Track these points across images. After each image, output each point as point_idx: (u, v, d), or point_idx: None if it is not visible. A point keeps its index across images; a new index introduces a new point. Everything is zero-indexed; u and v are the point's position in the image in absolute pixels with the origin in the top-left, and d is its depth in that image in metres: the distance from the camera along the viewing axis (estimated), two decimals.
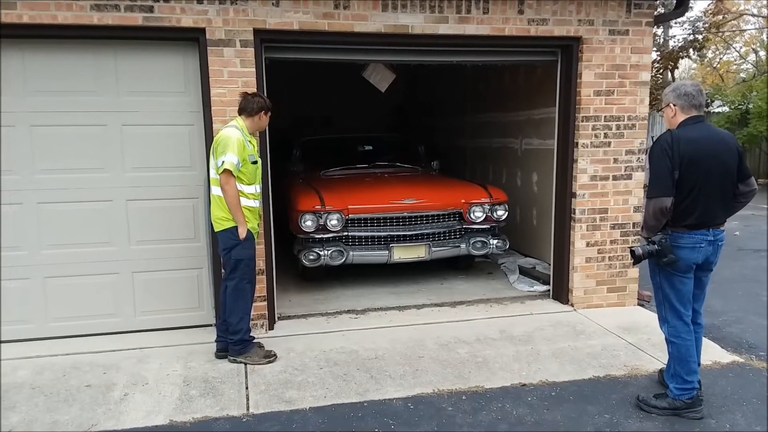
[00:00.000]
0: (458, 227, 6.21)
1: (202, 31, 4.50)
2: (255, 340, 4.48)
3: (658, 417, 3.54)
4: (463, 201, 6.22)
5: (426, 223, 6.10)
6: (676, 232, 3.42)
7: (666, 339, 3.65)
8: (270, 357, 4.37)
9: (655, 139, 3.57)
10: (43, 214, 4.66)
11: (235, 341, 4.31)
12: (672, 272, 3.49)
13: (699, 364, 3.64)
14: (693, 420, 3.51)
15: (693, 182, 3.34)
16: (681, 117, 3.45)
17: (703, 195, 3.36)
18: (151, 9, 4.38)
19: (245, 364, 4.30)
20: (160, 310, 4.94)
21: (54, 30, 4.35)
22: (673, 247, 3.40)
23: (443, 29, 4.89)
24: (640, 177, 5.44)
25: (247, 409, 3.69)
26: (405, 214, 6.00)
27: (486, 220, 6.25)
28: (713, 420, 3.52)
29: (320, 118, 10.08)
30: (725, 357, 4.42)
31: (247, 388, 3.96)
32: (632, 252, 3.47)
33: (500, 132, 7.84)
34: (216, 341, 4.46)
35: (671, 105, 3.47)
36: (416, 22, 4.82)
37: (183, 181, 4.82)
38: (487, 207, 6.24)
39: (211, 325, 4.86)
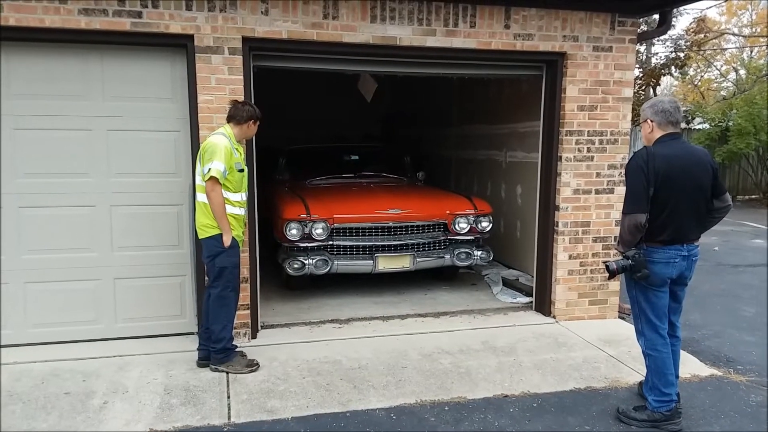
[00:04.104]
0: (443, 238, 6.24)
1: (191, 37, 4.50)
2: (237, 349, 4.46)
3: (638, 429, 3.58)
4: (448, 212, 6.25)
5: (411, 233, 6.12)
6: (650, 247, 3.48)
7: (643, 352, 3.71)
8: (252, 366, 4.34)
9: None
10: (24, 219, 4.60)
11: (217, 350, 4.28)
12: (647, 286, 3.54)
13: (677, 377, 3.69)
14: None
15: (667, 198, 3.40)
16: (658, 133, 3.51)
17: (678, 211, 3.43)
18: (139, 14, 4.38)
19: (227, 373, 4.27)
20: (142, 317, 4.89)
21: (40, 33, 4.32)
22: (647, 262, 3.46)
23: (431, 42, 4.94)
24: (622, 191, 5.47)
25: (229, 418, 3.66)
26: (390, 224, 6.02)
27: (470, 231, 6.28)
28: None
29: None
30: (704, 370, 4.48)
31: (228, 397, 3.94)
32: (607, 267, 3.54)
33: (485, 144, 7.91)
34: (198, 349, 4.43)
35: (648, 121, 3.54)
36: (404, 34, 4.87)
37: (168, 187, 4.79)
38: (471, 218, 6.28)
39: (193, 334, 4.83)
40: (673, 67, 15.68)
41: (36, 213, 4.62)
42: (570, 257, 5.50)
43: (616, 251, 5.35)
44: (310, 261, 5.79)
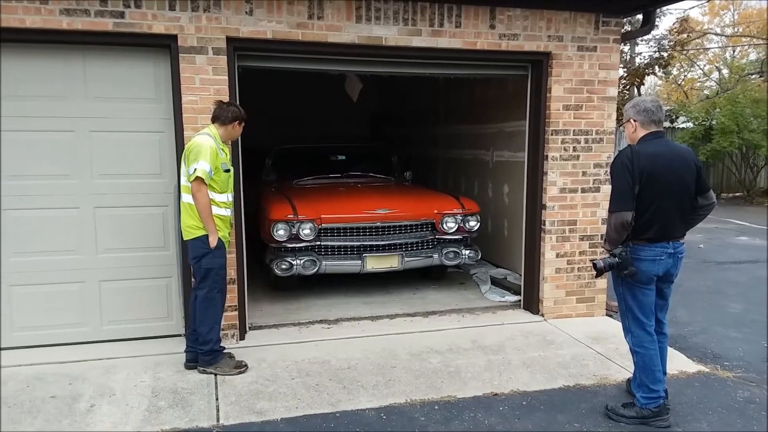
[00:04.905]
0: (431, 237, 6.24)
1: (174, 37, 4.46)
2: (225, 351, 4.43)
3: (627, 426, 3.59)
4: (435, 211, 6.25)
5: (399, 233, 6.11)
6: (636, 245, 3.50)
7: (630, 349, 3.72)
8: (241, 367, 4.31)
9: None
10: (8, 221, 4.54)
11: (205, 351, 4.25)
12: (633, 284, 3.56)
13: (665, 373, 3.71)
14: (660, 428, 3.57)
15: (652, 196, 3.43)
16: (641, 132, 3.54)
17: (663, 209, 3.45)
18: (122, 15, 4.33)
19: (215, 374, 4.24)
20: (128, 319, 4.84)
21: (22, 34, 4.26)
22: (634, 260, 3.48)
23: (416, 42, 4.94)
24: (608, 190, 5.50)
25: (217, 420, 3.63)
26: (378, 224, 6.01)
27: (458, 230, 6.29)
28: (680, 428, 3.59)
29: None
30: (691, 367, 4.51)
31: (217, 399, 3.91)
32: (594, 265, 3.55)
33: (472, 144, 7.93)
34: (185, 351, 4.39)
35: (632, 120, 3.57)
36: (390, 34, 4.86)
37: (152, 188, 4.75)
38: (459, 218, 6.28)
39: (180, 335, 4.79)
40: (656, 67, 15.88)
41: (19, 215, 4.56)
42: (557, 255, 5.53)
43: (602, 249, 5.39)
44: (298, 261, 5.77)
